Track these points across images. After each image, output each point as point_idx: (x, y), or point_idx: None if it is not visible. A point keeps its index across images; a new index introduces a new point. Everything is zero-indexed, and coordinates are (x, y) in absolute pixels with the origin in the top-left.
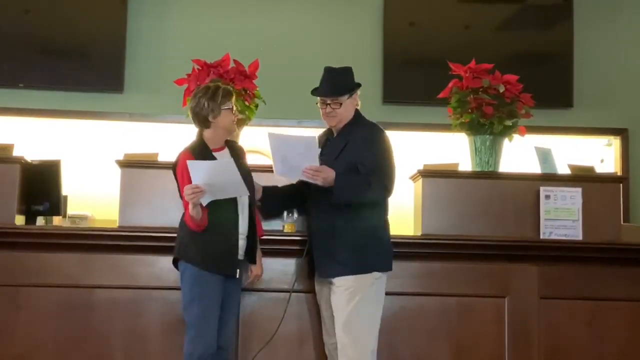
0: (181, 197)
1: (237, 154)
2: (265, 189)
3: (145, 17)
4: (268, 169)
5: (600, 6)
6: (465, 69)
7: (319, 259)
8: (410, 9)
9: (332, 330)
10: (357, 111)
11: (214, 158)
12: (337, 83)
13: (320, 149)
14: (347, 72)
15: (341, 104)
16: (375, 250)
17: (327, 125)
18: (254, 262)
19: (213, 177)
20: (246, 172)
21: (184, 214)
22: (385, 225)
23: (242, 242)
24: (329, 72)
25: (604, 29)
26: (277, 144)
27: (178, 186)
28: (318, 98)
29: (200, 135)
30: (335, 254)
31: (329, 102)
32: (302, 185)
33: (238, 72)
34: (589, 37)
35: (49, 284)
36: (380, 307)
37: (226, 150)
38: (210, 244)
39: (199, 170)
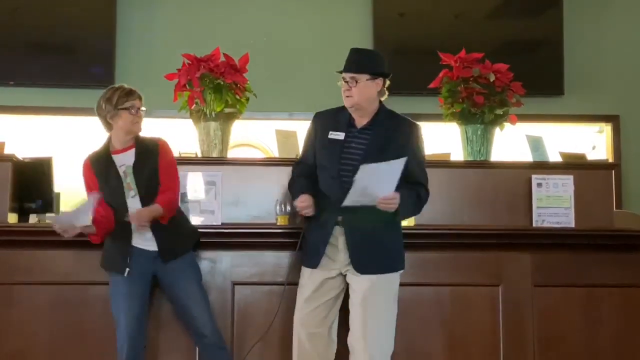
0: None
1: (146, 151)
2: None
3: (134, 11)
4: (258, 163)
5: None
6: (455, 58)
7: (358, 256)
8: None
9: (329, 320)
10: (382, 104)
11: (112, 162)
12: (359, 61)
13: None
14: (374, 54)
15: (357, 81)
16: (401, 249)
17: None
18: (172, 258)
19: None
20: (152, 171)
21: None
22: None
23: (149, 234)
24: (355, 51)
25: (593, 15)
26: (365, 175)
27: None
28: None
29: (109, 138)
30: (375, 251)
31: (347, 79)
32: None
33: (228, 65)
34: (578, 24)
35: (43, 282)
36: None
37: (132, 151)
38: (107, 242)
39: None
